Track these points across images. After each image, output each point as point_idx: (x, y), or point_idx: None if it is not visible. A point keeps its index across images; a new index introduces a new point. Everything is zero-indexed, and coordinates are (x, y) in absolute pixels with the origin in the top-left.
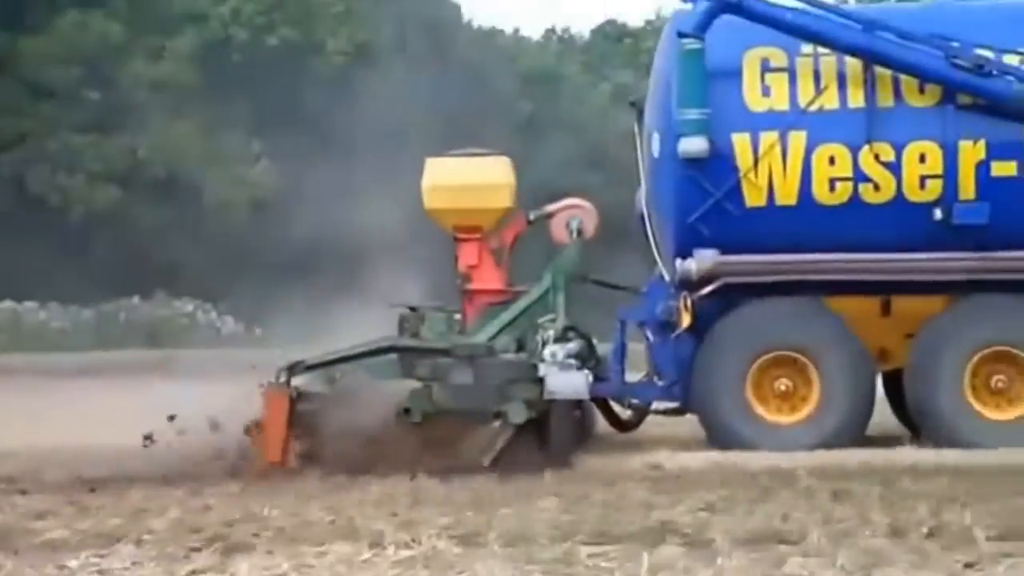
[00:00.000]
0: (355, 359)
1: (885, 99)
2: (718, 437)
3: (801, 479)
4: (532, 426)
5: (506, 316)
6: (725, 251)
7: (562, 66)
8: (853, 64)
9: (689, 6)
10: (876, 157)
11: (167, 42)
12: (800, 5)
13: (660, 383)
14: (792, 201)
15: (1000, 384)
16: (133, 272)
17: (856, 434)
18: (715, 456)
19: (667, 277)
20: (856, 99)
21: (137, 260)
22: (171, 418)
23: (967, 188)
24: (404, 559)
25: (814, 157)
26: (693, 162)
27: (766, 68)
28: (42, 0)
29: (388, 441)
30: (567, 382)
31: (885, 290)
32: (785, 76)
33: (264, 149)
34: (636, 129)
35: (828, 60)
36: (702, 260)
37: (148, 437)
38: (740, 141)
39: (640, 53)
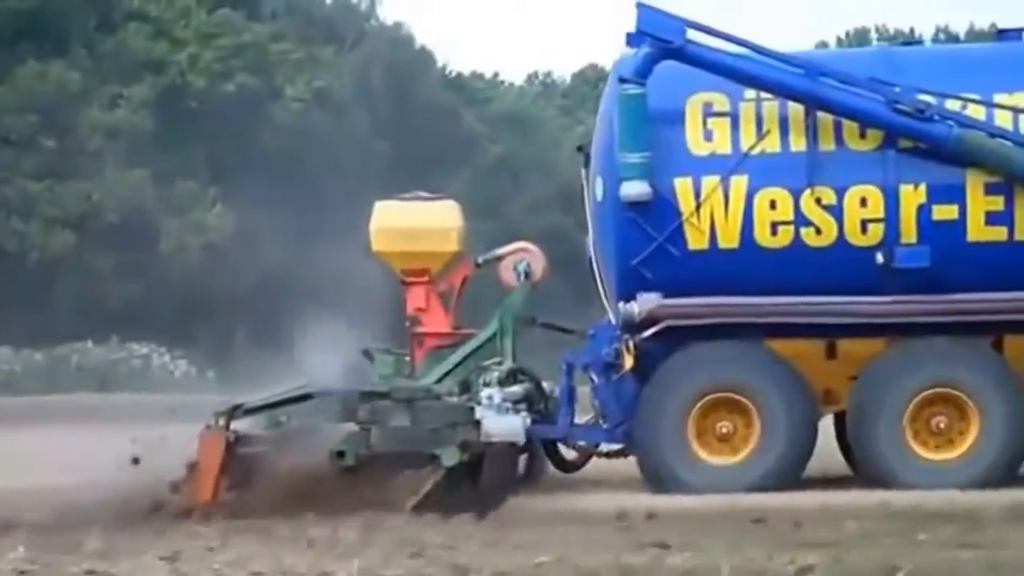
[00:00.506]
0: (293, 403)
1: (826, 143)
2: (656, 479)
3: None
4: (466, 469)
5: (454, 359)
6: (668, 294)
7: (539, 109)
8: (795, 108)
9: (633, 51)
10: (817, 201)
11: (124, 90)
12: (742, 50)
13: (605, 425)
14: (734, 244)
15: (940, 425)
16: (88, 316)
17: (793, 476)
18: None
19: (613, 320)
20: (798, 143)
21: (92, 304)
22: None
23: (908, 232)
24: None
25: (756, 201)
26: (635, 205)
27: (709, 112)
28: (2, 50)
29: (321, 485)
30: (504, 425)
31: (826, 333)
32: (728, 120)
33: (220, 194)
34: (584, 174)
35: (771, 105)
36: (644, 303)
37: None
38: (682, 185)
39: None
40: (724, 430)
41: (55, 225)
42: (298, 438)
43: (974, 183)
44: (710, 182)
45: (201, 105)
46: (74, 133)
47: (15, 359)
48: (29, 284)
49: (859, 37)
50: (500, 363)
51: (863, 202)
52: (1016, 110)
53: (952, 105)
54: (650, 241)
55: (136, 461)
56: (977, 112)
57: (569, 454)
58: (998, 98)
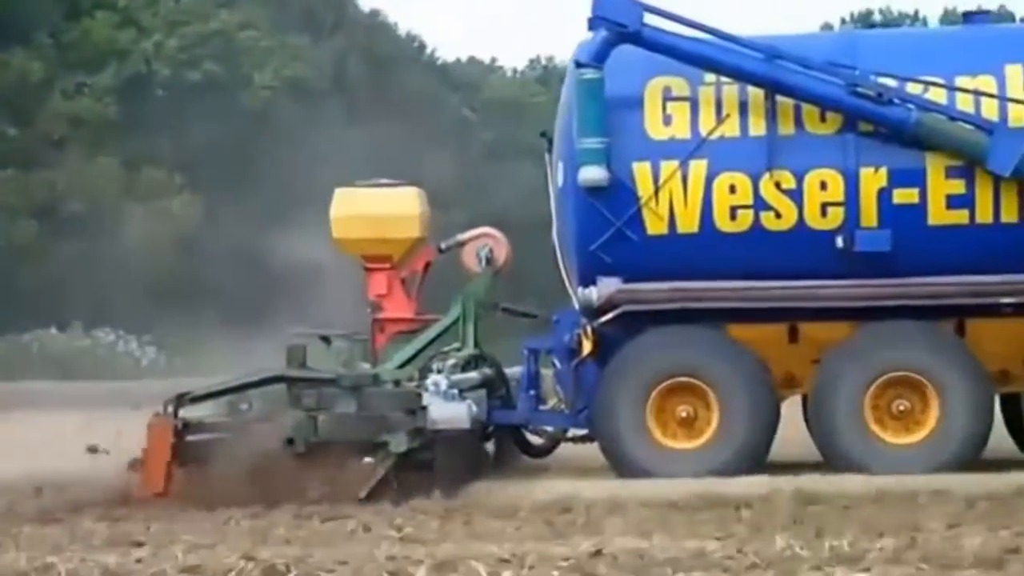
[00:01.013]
0: (242, 389)
1: (786, 127)
2: (617, 464)
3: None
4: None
5: (415, 345)
6: (628, 279)
7: (533, 95)
8: (755, 93)
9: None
10: (777, 185)
11: (88, 78)
12: (700, 34)
13: (567, 411)
14: (693, 229)
15: (901, 409)
16: (53, 305)
17: (755, 460)
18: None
19: (576, 305)
20: (757, 127)
21: (57, 293)
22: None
23: (869, 215)
24: None
25: (715, 185)
26: (594, 191)
27: (668, 97)
28: None
29: (272, 472)
30: (449, 412)
31: (787, 317)
32: (687, 105)
33: (188, 182)
34: (547, 159)
35: (730, 89)
36: (603, 288)
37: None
38: (641, 169)
39: None
40: (684, 415)
41: (19, 214)
42: (251, 425)
43: (935, 167)
44: (669, 166)
45: (167, 93)
46: (37, 122)
47: None
48: None
49: (863, 19)
50: (459, 349)
51: (823, 186)
52: (977, 93)
53: (913, 88)
54: (609, 226)
55: (93, 450)
56: (938, 95)
57: (539, 440)
58: (960, 81)
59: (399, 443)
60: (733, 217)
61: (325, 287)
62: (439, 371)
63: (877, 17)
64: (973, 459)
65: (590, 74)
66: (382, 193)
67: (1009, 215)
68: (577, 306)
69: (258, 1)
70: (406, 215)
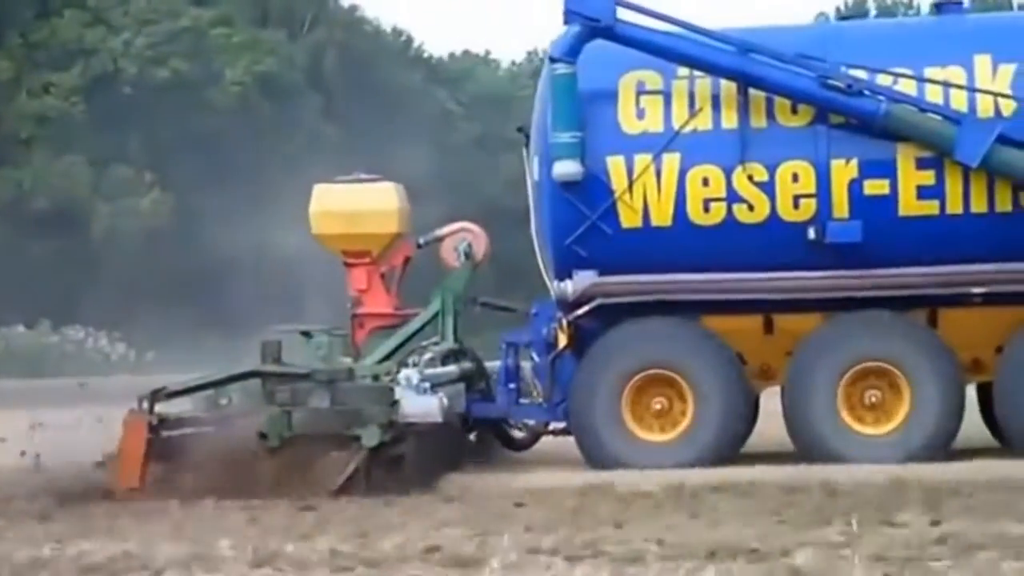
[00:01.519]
0: (217, 385)
1: (758, 120)
2: (592, 456)
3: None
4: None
5: (395, 340)
6: (603, 272)
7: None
8: (727, 86)
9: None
10: (749, 177)
11: (55, 76)
12: (672, 28)
13: (544, 404)
14: (667, 222)
15: (874, 399)
16: (21, 302)
17: (730, 452)
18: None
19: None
20: (729, 120)
21: (26, 290)
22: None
23: (840, 207)
24: None
25: (688, 178)
26: (568, 185)
27: (641, 91)
28: None
29: (247, 466)
30: (420, 405)
31: (761, 308)
32: (660, 98)
33: (158, 179)
34: (524, 154)
35: (703, 82)
36: (579, 281)
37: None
38: (614, 163)
39: None
40: (659, 407)
41: None
42: (226, 420)
43: (905, 158)
44: (643, 160)
45: (135, 91)
46: (4, 121)
47: None
48: None
49: (857, 8)
50: (437, 343)
51: (795, 178)
52: (947, 84)
53: (883, 80)
54: (584, 220)
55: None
56: (908, 87)
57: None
58: (930, 72)
59: (371, 437)
60: (706, 210)
61: (303, 283)
62: (413, 365)
63: (871, 6)
64: (944, 448)
65: (563, 69)
66: (360, 189)
67: (979, 205)
68: (554, 299)
69: None
70: (384, 210)
